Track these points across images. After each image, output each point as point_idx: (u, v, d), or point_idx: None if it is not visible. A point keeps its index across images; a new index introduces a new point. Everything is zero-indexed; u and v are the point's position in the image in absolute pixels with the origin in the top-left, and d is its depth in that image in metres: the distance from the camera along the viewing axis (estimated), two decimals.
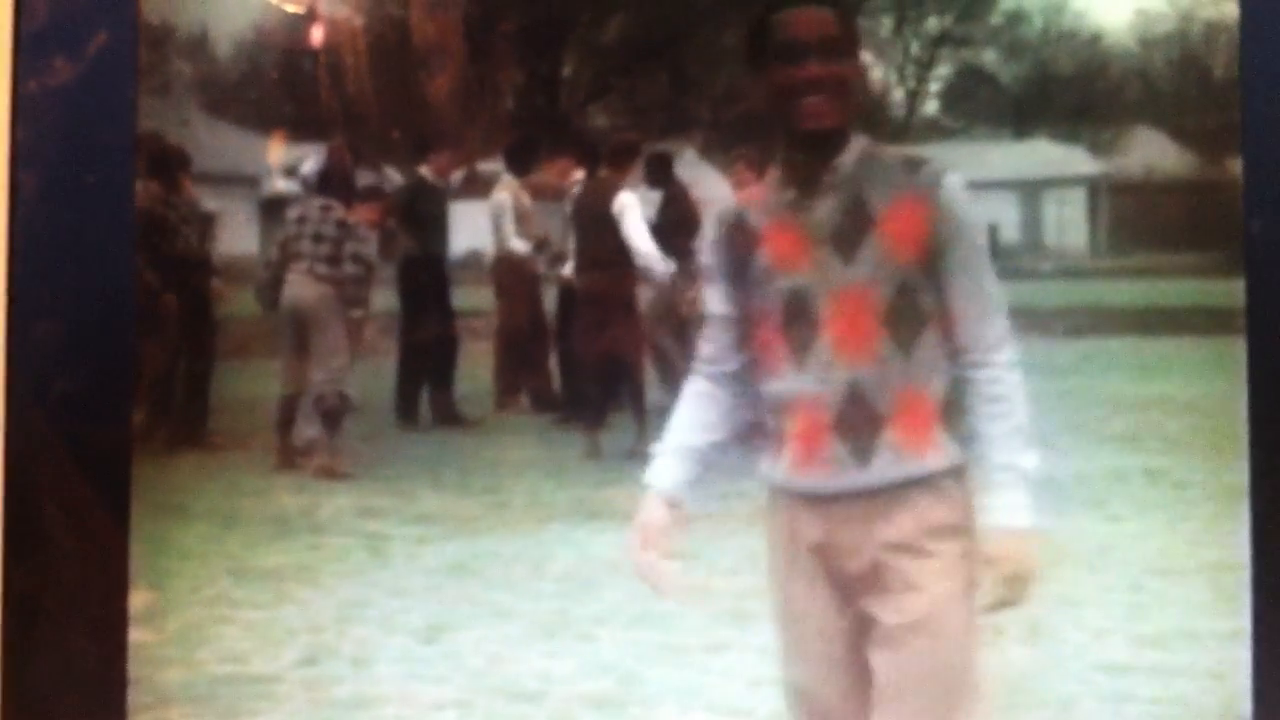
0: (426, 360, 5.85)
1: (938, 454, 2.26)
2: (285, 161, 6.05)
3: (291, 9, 5.12)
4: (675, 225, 5.55)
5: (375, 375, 5.68)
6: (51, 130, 2.44)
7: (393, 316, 5.83)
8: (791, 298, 2.28)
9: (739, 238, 2.36)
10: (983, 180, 7.28)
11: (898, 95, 7.79)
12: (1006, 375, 2.27)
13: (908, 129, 7.73)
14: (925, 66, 7.69)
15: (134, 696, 2.47)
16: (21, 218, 2.43)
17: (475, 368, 5.91)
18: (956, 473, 2.28)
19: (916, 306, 2.26)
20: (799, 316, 2.28)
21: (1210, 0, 6.51)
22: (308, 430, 5.34)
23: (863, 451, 2.25)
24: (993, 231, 7.41)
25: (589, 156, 5.96)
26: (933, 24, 7.72)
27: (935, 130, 7.73)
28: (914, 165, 2.30)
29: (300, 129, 5.81)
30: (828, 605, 2.29)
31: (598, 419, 5.46)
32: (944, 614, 2.23)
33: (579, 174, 5.96)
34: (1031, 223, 7.67)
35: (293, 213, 5.68)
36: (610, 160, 5.78)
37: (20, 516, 2.42)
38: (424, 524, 4.82)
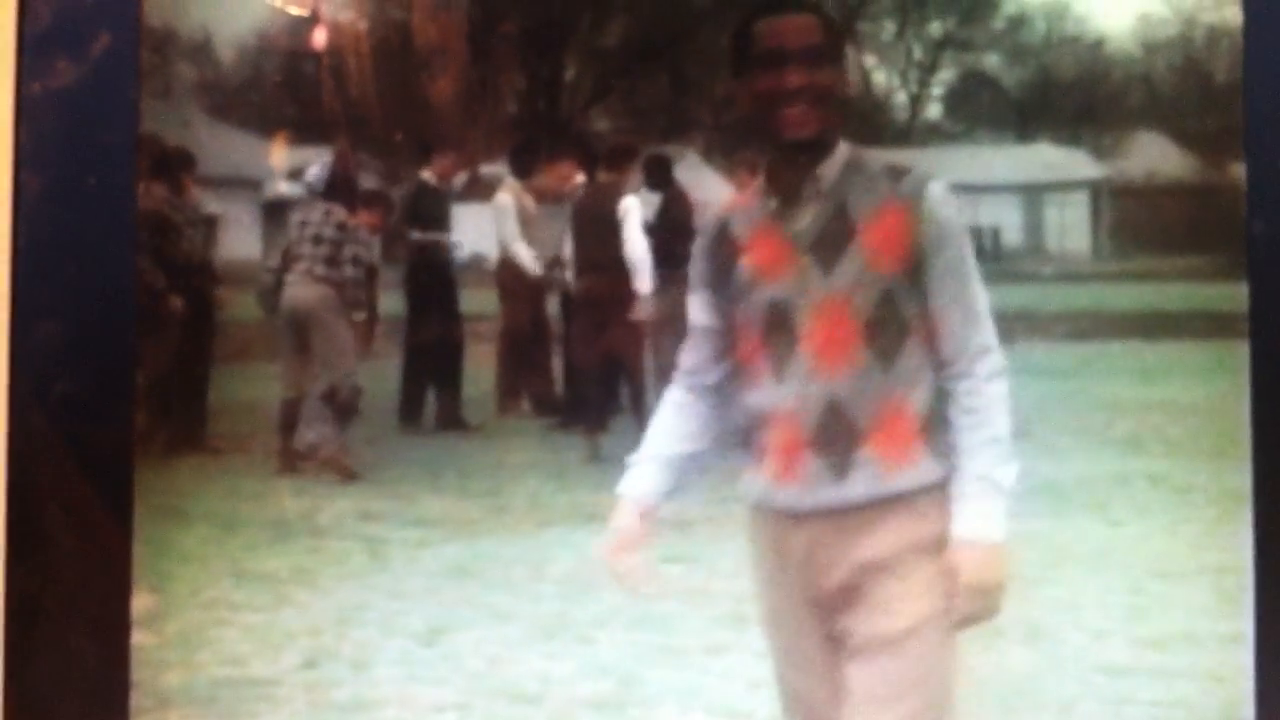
0: (432, 363, 5.86)
1: (918, 470, 2.20)
2: (288, 165, 6.06)
3: (294, 12, 5.12)
4: (673, 227, 5.56)
5: (376, 378, 5.69)
6: (54, 132, 2.44)
7: (397, 319, 5.84)
8: (771, 308, 2.24)
9: (722, 247, 2.32)
10: (985, 184, 7.32)
11: (900, 99, 7.80)
12: (987, 386, 2.20)
13: (910, 132, 7.74)
14: (928, 70, 7.70)
15: (134, 699, 2.47)
16: (24, 218, 2.43)
17: (477, 371, 5.92)
18: (938, 489, 2.21)
19: (898, 318, 2.21)
20: (779, 327, 2.24)
21: (1213, 4, 6.51)
22: (309, 434, 5.34)
23: (840, 467, 2.20)
24: (995, 235, 7.42)
25: (588, 160, 5.96)
26: (935, 28, 7.73)
27: (937, 134, 7.73)
28: (897, 174, 2.25)
29: (303, 132, 5.82)
30: (807, 620, 2.25)
31: (598, 422, 5.47)
32: (920, 631, 2.17)
33: (579, 178, 5.96)
34: (1033, 226, 7.67)
35: (295, 216, 5.69)
36: (607, 163, 5.78)
37: (22, 517, 2.42)
38: (424, 527, 4.82)
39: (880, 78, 7.66)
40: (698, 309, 2.36)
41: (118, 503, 2.43)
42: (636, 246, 5.54)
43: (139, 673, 2.51)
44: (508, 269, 6.04)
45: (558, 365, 6.02)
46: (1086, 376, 6.58)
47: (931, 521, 2.20)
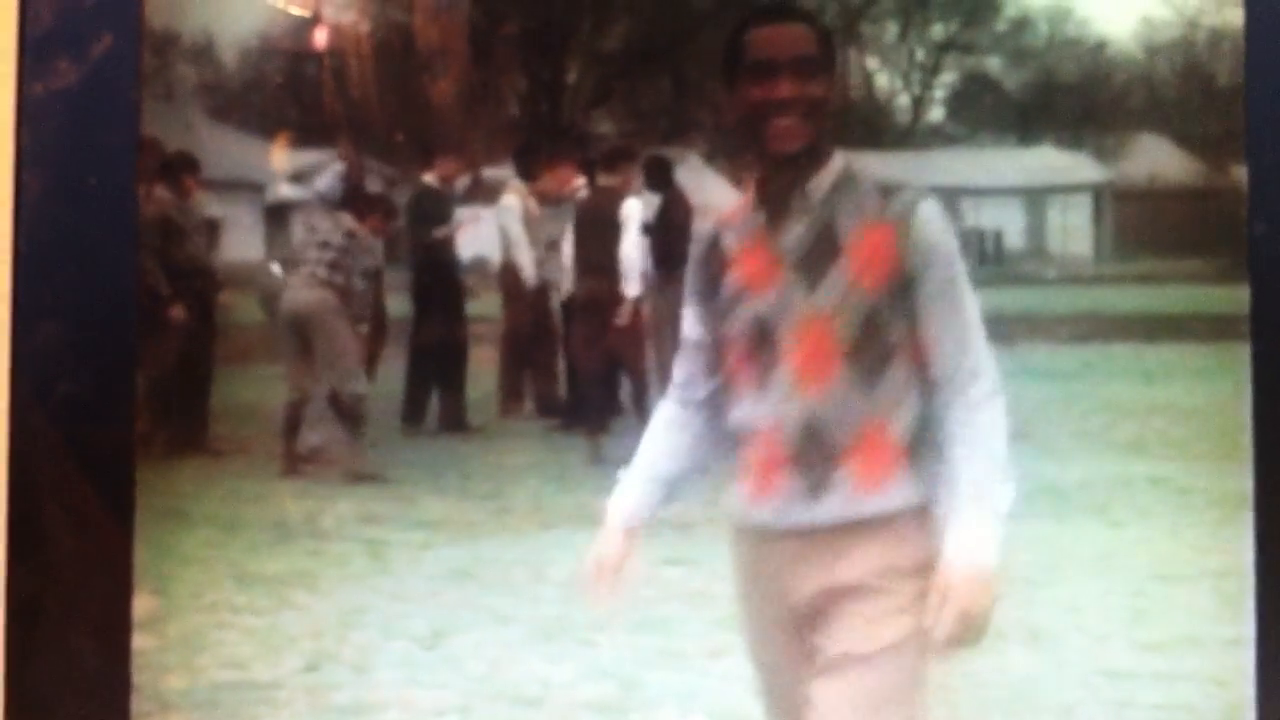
0: (436, 365, 5.86)
1: (896, 494, 2.14)
2: (289, 167, 6.06)
3: (296, 13, 5.13)
4: (672, 229, 5.56)
5: (377, 379, 5.68)
6: (55, 132, 2.44)
7: (401, 321, 5.84)
8: (756, 323, 2.19)
9: (712, 259, 2.26)
10: (987, 186, 7.33)
11: (903, 101, 7.81)
12: (982, 409, 2.13)
13: (912, 135, 7.74)
14: (930, 73, 7.71)
15: (135, 703, 2.47)
16: (26, 219, 2.43)
17: (479, 373, 5.92)
18: (917, 514, 2.15)
19: (882, 338, 2.15)
20: (762, 343, 2.18)
21: (1214, 7, 6.51)
22: (312, 436, 5.34)
23: (816, 486, 2.15)
24: (997, 238, 7.43)
25: (587, 163, 5.97)
26: (938, 30, 7.74)
27: (940, 136, 7.74)
28: (889, 192, 2.18)
29: (305, 134, 5.82)
30: (780, 638, 2.22)
31: (600, 424, 5.47)
32: (889, 654, 2.12)
33: (578, 180, 5.97)
34: (1036, 229, 7.67)
35: (302, 220, 5.69)
36: (605, 166, 5.78)
37: (22, 517, 2.42)
38: (425, 529, 4.82)
39: (883, 80, 7.67)
40: (690, 322, 2.32)
41: (119, 504, 2.43)
42: (630, 251, 5.54)
43: (140, 675, 2.51)
44: (511, 272, 6.05)
45: (561, 367, 6.03)
46: (1088, 379, 6.58)
47: (910, 546, 2.14)
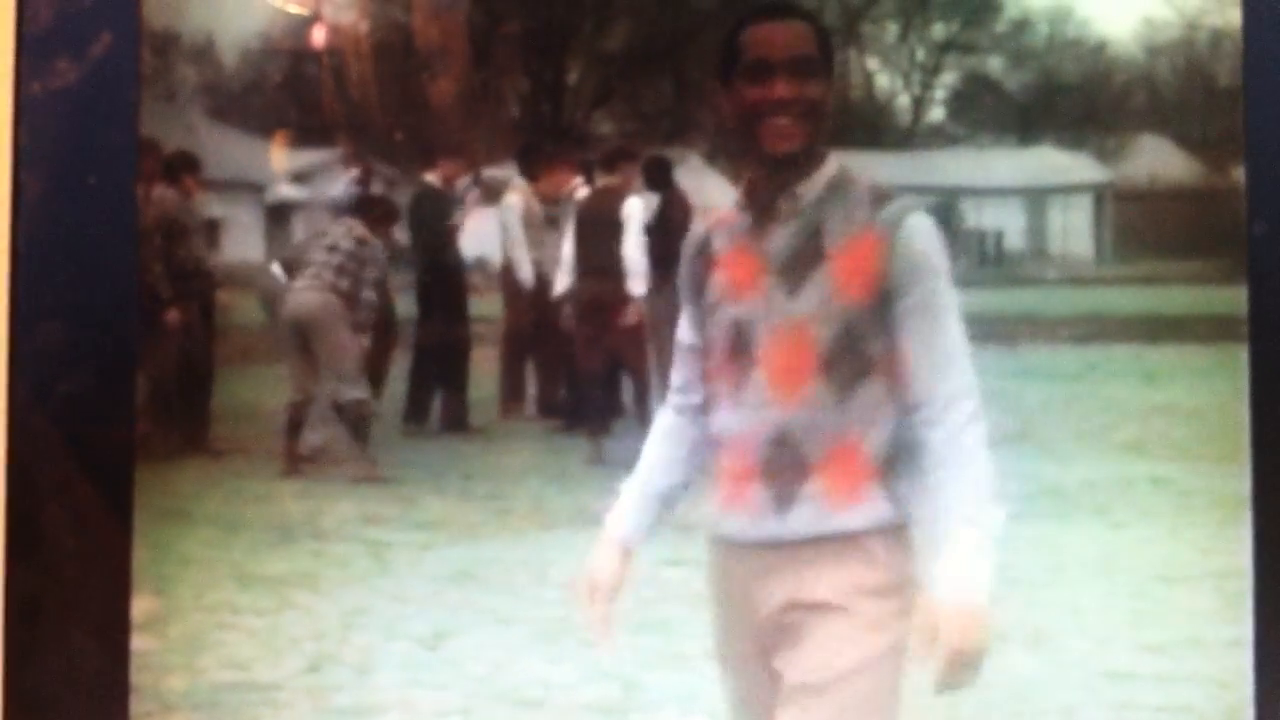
0: (438, 365, 5.86)
1: (865, 511, 2.08)
2: (289, 166, 6.06)
3: (295, 13, 5.13)
4: (671, 229, 5.55)
5: (381, 385, 5.69)
6: (54, 132, 2.44)
7: (404, 322, 5.84)
8: (735, 328, 2.14)
9: (700, 261, 2.22)
10: (987, 187, 7.33)
11: (903, 102, 7.81)
12: (961, 435, 2.05)
13: (913, 135, 7.74)
14: (931, 73, 7.70)
15: (136, 704, 2.47)
16: (24, 219, 2.43)
17: (479, 374, 5.92)
18: (888, 533, 2.08)
19: (860, 351, 2.08)
20: (740, 349, 2.13)
21: (1215, 7, 6.51)
22: (314, 436, 5.34)
23: (784, 499, 2.09)
24: (997, 238, 7.42)
25: (586, 164, 5.97)
26: (939, 31, 7.73)
27: (940, 137, 7.74)
28: (880, 200, 2.11)
29: (304, 134, 5.82)
30: (747, 653, 2.16)
31: (601, 425, 5.47)
32: (857, 676, 2.05)
33: (578, 181, 5.97)
34: (1036, 230, 7.67)
35: (309, 222, 5.68)
36: (604, 167, 5.78)
37: (22, 517, 2.42)
38: (427, 530, 4.82)
39: (883, 81, 7.67)
40: (683, 326, 2.28)
41: (119, 504, 2.43)
42: (633, 250, 5.54)
43: (141, 677, 2.50)
44: (512, 271, 6.05)
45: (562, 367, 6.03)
46: (1089, 380, 6.58)
47: (881, 565, 2.08)
